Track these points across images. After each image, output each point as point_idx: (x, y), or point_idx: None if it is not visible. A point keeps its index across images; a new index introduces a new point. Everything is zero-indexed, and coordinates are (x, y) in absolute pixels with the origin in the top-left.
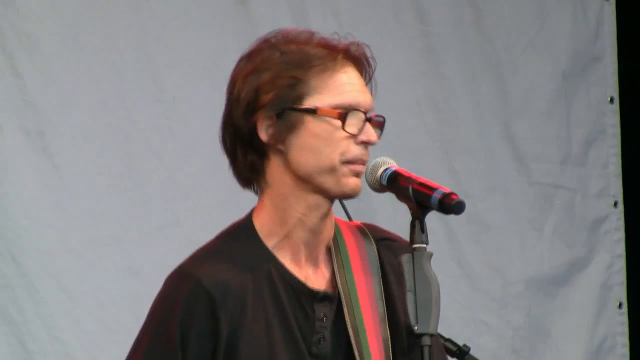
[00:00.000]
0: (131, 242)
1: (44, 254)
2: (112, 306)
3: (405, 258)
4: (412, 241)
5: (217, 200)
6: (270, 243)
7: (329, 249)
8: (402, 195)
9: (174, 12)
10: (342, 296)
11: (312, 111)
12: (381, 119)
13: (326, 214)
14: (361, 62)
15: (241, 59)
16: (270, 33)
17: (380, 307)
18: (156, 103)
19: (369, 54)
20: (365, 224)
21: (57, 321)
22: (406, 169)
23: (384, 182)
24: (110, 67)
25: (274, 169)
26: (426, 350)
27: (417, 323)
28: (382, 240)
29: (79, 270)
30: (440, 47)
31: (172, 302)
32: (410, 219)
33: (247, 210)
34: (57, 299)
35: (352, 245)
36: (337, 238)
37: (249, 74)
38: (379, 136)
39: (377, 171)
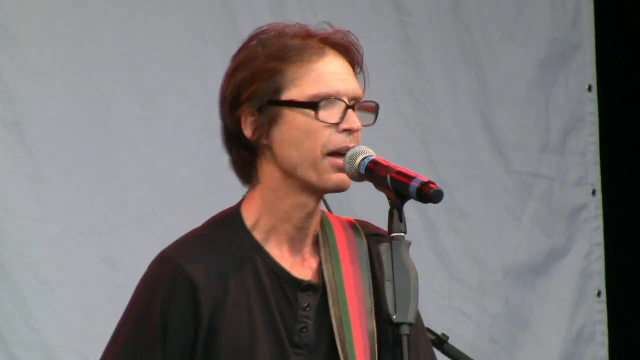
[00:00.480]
0: (109, 233)
1: (21, 245)
2: (90, 297)
3: (383, 247)
4: (391, 230)
5: (195, 191)
6: (257, 232)
7: (317, 242)
8: (380, 184)
9: (152, 2)
10: (328, 287)
11: (289, 103)
12: (371, 104)
13: (312, 212)
14: (346, 50)
15: (232, 56)
16: (260, 27)
17: (368, 300)
18: (134, 94)
19: (355, 41)
20: (357, 220)
21: (34, 312)
22: (384, 158)
23: (362, 171)
24: (88, 58)
25: (264, 164)
26: (404, 339)
27: (395, 312)
28: (373, 236)
29: (56, 261)
30: (418, 37)
31: (154, 286)
32: (388, 207)
33: (227, 201)
34: (35, 289)
35: (341, 239)
36: (326, 231)
37: (233, 70)
38: (374, 121)
39: (355, 160)
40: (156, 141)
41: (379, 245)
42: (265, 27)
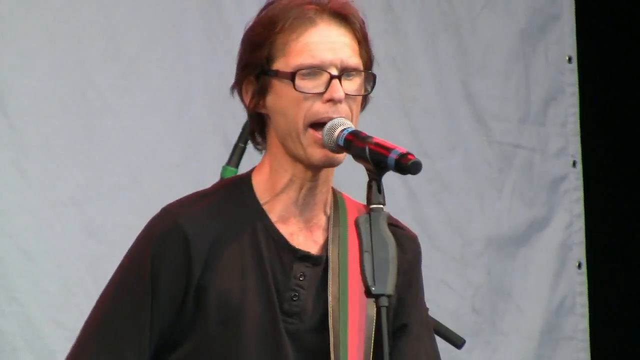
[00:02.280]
0: (89, 202)
1: (1, 214)
2: (71, 266)
3: (362, 219)
4: (369, 202)
5: (176, 161)
6: (263, 198)
7: (328, 218)
8: (358, 156)
9: None
10: (330, 264)
11: (275, 73)
12: (363, 72)
13: (317, 176)
14: (343, 18)
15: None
16: None
17: None
18: (114, 63)
19: (353, 10)
20: None
21: (15, 281)
22: (363, 130)
23: (341, 143)
24: (68, 27)
25: (270, 132)
26: (383, 310)
27: (374, 284)
28: (389, 225)
29: (37, 231)
30: (399, 6)
31: (149, 237)
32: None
33: (207, 171)
34: (15, 259)
35: (353, 223)
36: (339, 211)
37: (242, 40)
38: (370, 90)
39: (334, 132)
40: (136, 110)
41: (356, 217)
42: None
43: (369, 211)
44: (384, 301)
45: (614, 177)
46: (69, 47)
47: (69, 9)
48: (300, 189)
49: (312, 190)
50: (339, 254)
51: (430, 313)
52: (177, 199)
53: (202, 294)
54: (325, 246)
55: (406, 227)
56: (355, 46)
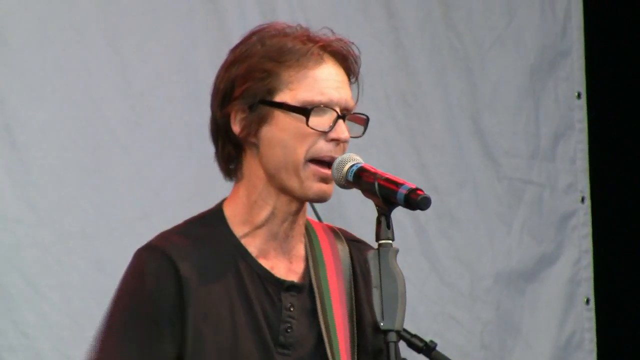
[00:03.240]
0: (99, 236)
1: (10, 248)
2: (80, 301)
3: (371, 254)
4: (378, 237)
5: (185, 195)
6: (239, 232)
7: (303, 246)
8: (368, 191)
9: (143, 5)
10: (316, 290)
11: (281, 106)
12: (362, 117)
13: (298, 211)
14: (344, 59)
15: (230, 49)
16: (262, 25)
17: (349, 305)
18: (124, 97)
19: (354, 52)
20: (336, 227)
21: (24, 316)
22: (372, 165)
23: (350, 179)
24: (79, 61)
25: (249, 161)
26: (392, 346)
27: (382, 319)
28: (354, 242)
29: (46, 265)
30: (409, 42)
31: (142, 275)
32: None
33: None
34: (24, 293)
35: (325, 244)
36: (311, 236)
37: (229, 64)
38: (362, 133)
39: (343, 167)
40: (146, 145)
41: (366, 252)
42: (266, 25)
43: (378, 246)
44: (393, 337)
45: (622, 213)
46: (79, 81)
47: (79, 43)
48: (282, 222)
49: (292, 223)
50: (320, 278)
51: (438, 348)
52: (154, 236)
53: (197, 334)
54: (305, 273)
55: (367, 243)
56: (350, 87)
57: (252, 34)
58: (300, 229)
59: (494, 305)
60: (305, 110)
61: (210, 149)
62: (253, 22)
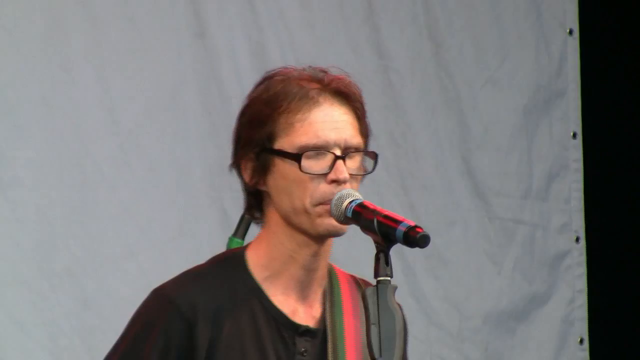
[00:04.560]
0: (85, 274)
1: None
2: (65, 339)
3: (369, 291)
4: (377, 274)
5: (172, 234)
6: (260, 276)
7: (323, 291)
8: (366, 228)
9: (132, 44)
10: (329, 336)
11: (278, 153)
12: (369, 153)
13: (317, 253)
14: (345, 97)
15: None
16: (274, 69)
17: (367, 354)
18: (112, 135)
19: (356, 90)
20: (359, 277)
21: (8, 353)
22: (371, 202)
23: (349, 214)
24: (66, 99)
25: (267, 207)
26: None
27: (380, 356)
28: None
29: (31, 302)
30: (399, 81)
31: (150, 327)
32: (375, 251)
33: (204, 244)
34: (9, 330)
35: (346, 292)
36: (332, 282)
37: (240, 113)
38: (372, 169)
39: (342, 204)
40: (133, 183)
41: (364, 288)
42: (277, 70)
43: (377, 283)
44: None
45: (617, 253)
46: (67, 119)
47: (66, 80)
48: (302, 266)
49: (311, 268)
50: (336, 323)
51: None
52: (169, 279)
53: None
54: (322, 319)
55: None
56: (356, 124)
57: (263, 79)
58: (320, 273)
59: (483, 346)
60: (297, 156)
61: (196, 187)
62: (243, 62)
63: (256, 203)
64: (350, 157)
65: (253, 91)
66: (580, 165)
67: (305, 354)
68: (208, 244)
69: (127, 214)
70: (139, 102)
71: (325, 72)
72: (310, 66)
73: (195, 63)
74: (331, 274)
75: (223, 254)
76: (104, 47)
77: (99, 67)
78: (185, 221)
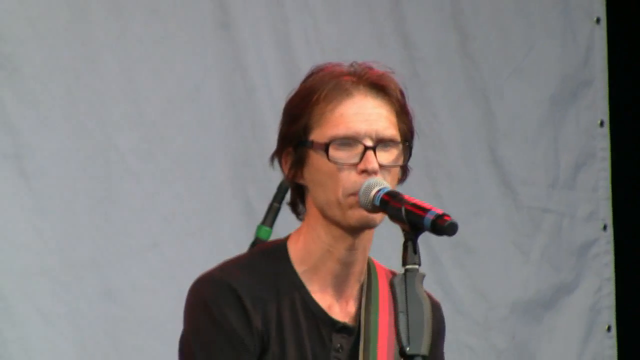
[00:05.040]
0: (109, 265)
1: (20, 276)
2: (89, 329)
3: (397, 279)
4: (405, 262)
5: (196, 225)
6: (300, 269)
7: (361, 287)
8: (394, 217)
9: (156, 35)
10: (362, 332)
11: (311, 145)
12: (397, 144)
13: (354, 246)
14: (381, 89)
15: None
16: (320, 64)
17: (397, 350)
18: (135, 126)
19: (393, 82)
20: (399, 273)
21: (33, 344)
22: (399, 191)
23: (377, 203)
24: (90, 91)
25: (308, 201)
26: None
27: (409, 344)
28: None
29: (55, 293)
30: (426, 72)
31: (214, 306)
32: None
33: (227, 235)
34: (34, 321)
35: (384, 287)
36: (371, 278)
37: (283, 111)
38: (406, 159)
39: (370, 192)
40: (157, 174)
41: (391, 277)
42: (321, 65)
43: (405, 272)
44: None
45: None
46: (90, 110)
47: (92, 72)
48: (338, 260)
49: (348, 262)
50: (370, 320)
51: None
52: (212, 267)
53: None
54: (357, 315)
55: (430, 294)
56: (393, 118)
57: (308, 75)
58: (358, 267)
59: (510, 334)
60: (325, 146)
61: (220, 178)
62: (268, 52)
63: (299, 197)
64: (384, 150)
65: (298, 87)
66: (607, 153)
67: (340, 350)
68: (231, 235)
69: (151, 205)
70: (163, 94)
71: (369, 67)
72: (356, 62)
73: (220, 54)
74: (370, 269)
75: (266, 244)
76: (129, 38)
77: (123, 58)
78: (209, 212)
